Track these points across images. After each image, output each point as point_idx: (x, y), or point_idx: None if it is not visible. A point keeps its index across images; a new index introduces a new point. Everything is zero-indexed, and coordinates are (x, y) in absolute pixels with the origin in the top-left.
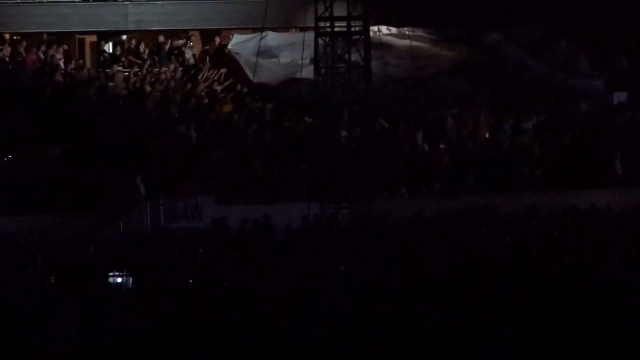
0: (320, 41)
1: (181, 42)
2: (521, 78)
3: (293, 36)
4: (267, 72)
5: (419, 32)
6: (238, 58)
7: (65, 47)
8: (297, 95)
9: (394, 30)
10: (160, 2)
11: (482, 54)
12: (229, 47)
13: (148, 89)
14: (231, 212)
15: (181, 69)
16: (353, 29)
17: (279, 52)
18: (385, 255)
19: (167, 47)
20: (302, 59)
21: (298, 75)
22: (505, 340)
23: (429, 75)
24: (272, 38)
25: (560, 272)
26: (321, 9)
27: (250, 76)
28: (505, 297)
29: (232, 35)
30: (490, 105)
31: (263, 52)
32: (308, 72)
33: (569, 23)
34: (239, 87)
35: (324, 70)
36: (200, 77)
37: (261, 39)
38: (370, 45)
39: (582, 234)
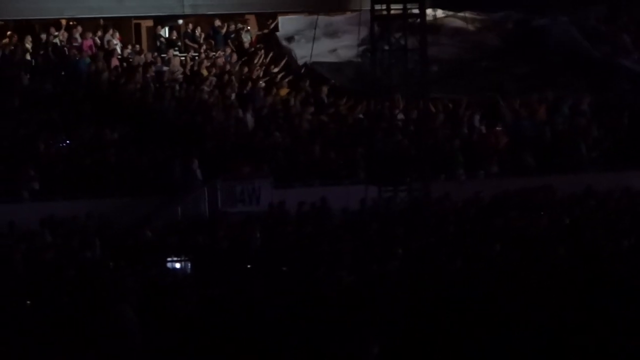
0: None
1: (238, 25)
2: (572, 59)
3: (338, 18)
4: (310, 55)
5: (472, 14)
6: (283, 42)
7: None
8: (348, 77)
9: (448, 12)
10: None
11: (534, 36)
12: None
13: (204, 73)
14: (288, 195)
15: (236, 53)
16: (409, 12)
17: (322, 35)
18: (443, 238)
19: (223, 30)
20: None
21: (341, 59)
22: (561, 322)
23: (481, 56)
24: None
25: (618, 253)
26: None
27: (297, 60)
28: (563, 279)
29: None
30: (542, 87)
31: (308, 35)
32: (349, 54)
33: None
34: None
35: (379, 53)
36: (256, 61)
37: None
38: (426, 28)
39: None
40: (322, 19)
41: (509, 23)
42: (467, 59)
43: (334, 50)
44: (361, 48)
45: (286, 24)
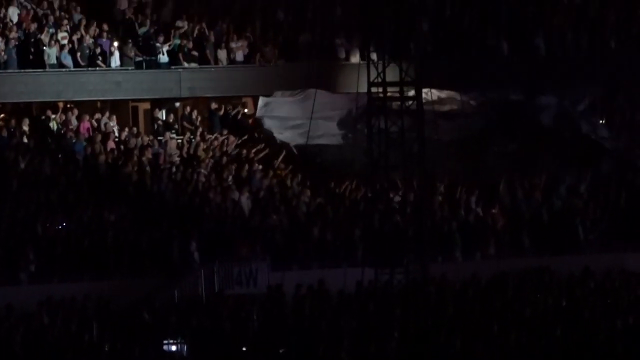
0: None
1: (234, 107)
2: (573, 139)
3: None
4: (293, 134)
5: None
6: (263, 122)
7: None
8: (335, 158)
9: (441, 93)
10: (213, 69)
11: (532, 115)
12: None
13: (202, 155)
14: (286, 277)
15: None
16: (405, 94)
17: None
18: (441, 319)
19: (220, 113)
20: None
21: (321, 139)
22: None
23: (478, 137)
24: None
25: (614, 335)
26: (373, 74)
27: (278, 137)
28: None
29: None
30: (542, 168)
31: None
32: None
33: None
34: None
35: (375, 134)
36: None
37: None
38: (423, 109)
39: (637, 297)
40: (310, 102)
41: (498, 104)
42: (461, 140)
43: (321, 134)
44: (341, 131)
45: (270, 104)
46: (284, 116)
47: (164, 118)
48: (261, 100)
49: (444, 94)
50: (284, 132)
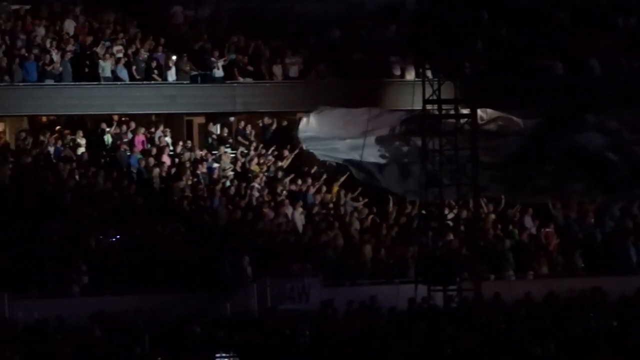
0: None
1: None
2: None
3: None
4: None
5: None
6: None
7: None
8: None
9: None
10: (267, 84)
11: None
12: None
13: (255, 170)
14: (337, 293)
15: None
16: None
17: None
18: (493, 338)
19: (273, 127)
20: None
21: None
22: None
23: (515, 158)
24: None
25: None
26: (428, 91)
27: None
28: None
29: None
30: (587, 191)
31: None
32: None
33: None
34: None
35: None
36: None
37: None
38: (477, 128)
39: None
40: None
41: (544, 124)
42: (498, 161)
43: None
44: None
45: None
46: (324, 136)
47: (218, 132)
48: (302, 123)
49: (488, 113)
50: (326, 149)
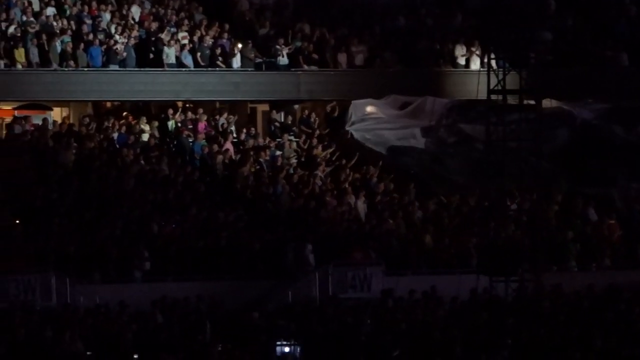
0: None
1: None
2: None
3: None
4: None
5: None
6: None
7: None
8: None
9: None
10: (332, 72)
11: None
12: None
13: (319, 157)
14: (399, 282)
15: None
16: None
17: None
18: (554, 329)
19: (337, 115)
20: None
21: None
22: None
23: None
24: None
25: None
26: (493, 81)
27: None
28: None
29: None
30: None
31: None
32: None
33: None
34: None
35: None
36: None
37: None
38: (542, 119)
39: None
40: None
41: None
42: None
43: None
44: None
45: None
46: (371, 125)
47: (282, 120)
48: (351, 110)
49: (553, 103)
50: (373, 137)
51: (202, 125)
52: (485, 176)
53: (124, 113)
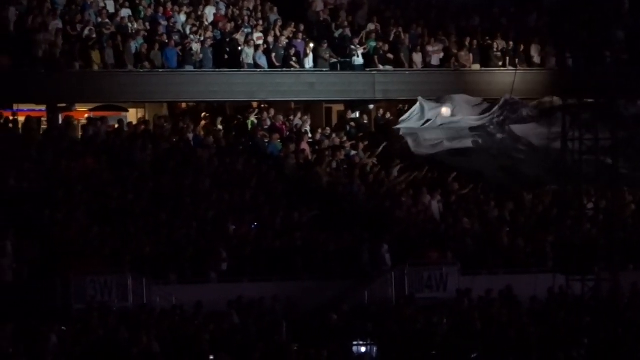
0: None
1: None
2: None
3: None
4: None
5: None
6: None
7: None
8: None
9: None
10: (407, 72)
11: None
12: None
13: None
14: (475, 282)
15: None
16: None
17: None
18: (631, 328)
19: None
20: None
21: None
22: None
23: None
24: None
25: None
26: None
27: (412, 147)
28: None
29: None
30: None
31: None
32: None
33: None
34: None
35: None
36: None
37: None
38: (618, 118)
39: None
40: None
41: None
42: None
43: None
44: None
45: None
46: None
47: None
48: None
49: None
50: (420, 143)
51: (277, 126)
52: (561, 175)
53: (203, 114)
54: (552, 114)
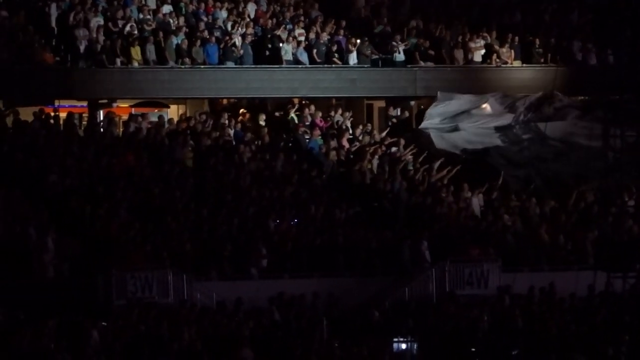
0: None
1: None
2: None
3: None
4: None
5: None
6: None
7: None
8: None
9: None
10: (449, 68)
11: None
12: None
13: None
14: (516, 279)
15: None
16: None
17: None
18: None
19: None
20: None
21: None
22: None
23: None
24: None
25: None
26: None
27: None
28: None
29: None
30: None
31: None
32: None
33: None
34: None
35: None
36: None
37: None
38: None
39: None
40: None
41: None
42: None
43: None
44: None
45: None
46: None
47: (399, 116)
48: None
49: None
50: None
51: (318, 122)
52: (602, 172)
53: (241, 110)
54: (591, 111)
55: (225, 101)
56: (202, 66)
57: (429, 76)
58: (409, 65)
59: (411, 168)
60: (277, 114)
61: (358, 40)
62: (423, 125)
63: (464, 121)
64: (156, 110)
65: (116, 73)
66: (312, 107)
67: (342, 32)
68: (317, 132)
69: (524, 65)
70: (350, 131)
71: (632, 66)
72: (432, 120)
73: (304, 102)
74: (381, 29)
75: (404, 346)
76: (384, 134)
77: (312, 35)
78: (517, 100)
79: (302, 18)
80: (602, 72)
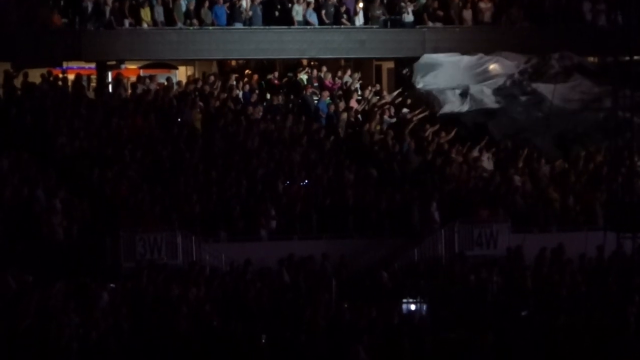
0: None
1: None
2: None
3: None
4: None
5: None
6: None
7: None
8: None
9: None
10: (457, 29)
11: None
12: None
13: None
14: (526, 240)
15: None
16: None
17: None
18: None
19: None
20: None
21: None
22: None
23: None
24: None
25: None
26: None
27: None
28: None
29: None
30: None
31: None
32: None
33: None
34: None
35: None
36: None
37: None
38: None
39: None
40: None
41: None
42: None
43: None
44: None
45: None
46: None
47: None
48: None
49: None
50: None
51: (327, 83)
52: (612, 133)
53: (247, 71)
54: (599, 74)
55: (233, 62)
56: (211, 27)
57: (437, 37)
58: (418, 26)
59: (418, 129)
60: (290, 74)
61: (361, 5)
62: (422, 85)
63: (471, 80)
64: (165, 72)
65: (124, 34)
66: (324, 68)
67: None
68: (326, 93)
69: (534, 25)
70: (360, 92)
71: None
72: (430, 80)
73: (312, 63)
74: None
75: (413, 307)
76: (395, 93)
77: None
78: (526, 61)
79: None
80: (611, 33)
